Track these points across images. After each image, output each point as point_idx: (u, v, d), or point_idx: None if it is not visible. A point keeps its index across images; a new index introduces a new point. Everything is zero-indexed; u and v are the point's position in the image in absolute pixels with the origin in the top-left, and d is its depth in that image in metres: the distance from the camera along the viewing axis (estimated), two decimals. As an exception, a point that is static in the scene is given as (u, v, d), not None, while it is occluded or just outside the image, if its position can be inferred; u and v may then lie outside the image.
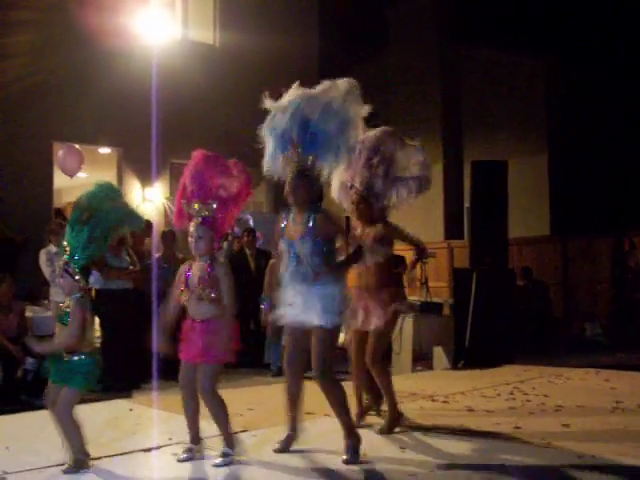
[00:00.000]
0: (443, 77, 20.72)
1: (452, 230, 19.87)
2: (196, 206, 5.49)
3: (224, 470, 5.31)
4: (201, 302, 5.46)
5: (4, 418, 7.27)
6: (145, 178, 13.90)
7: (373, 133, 6.65)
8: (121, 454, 5.82)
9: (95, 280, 5.74)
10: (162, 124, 11.88)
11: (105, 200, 5.72)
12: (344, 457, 5.49)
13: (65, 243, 5.58)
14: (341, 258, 5.78)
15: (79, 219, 5.61)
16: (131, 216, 5.87)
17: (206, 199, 5.50)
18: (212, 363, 5.43)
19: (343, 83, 5.78)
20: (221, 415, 5.49)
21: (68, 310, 5.29)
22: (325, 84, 5.81)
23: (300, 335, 5.66)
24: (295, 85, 5.85)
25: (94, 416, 7.36)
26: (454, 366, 10.73)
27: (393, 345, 10.91)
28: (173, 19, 14.66)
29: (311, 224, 5.58)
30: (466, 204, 18.19)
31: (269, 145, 5.81)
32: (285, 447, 5.78)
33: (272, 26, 15.39)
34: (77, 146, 13.16)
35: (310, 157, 5.66)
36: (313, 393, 5.86)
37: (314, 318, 5.51)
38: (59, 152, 13.04)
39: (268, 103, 5.84)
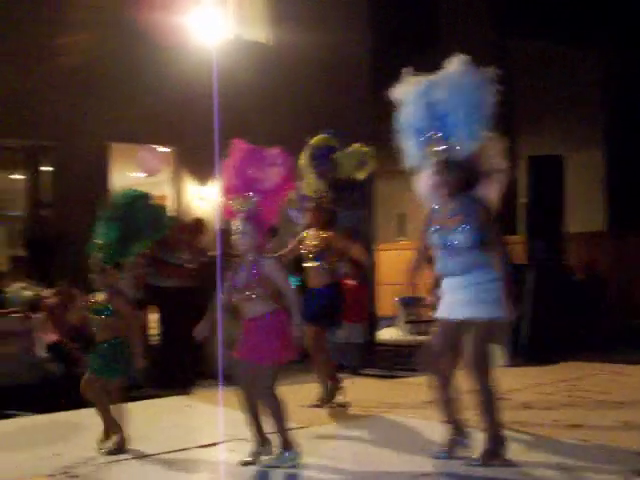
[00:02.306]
0: (496, 70, 20.42)
1: (507, 226, 19.67)
2: (238, 201, 5.41)
3: (281, 470, 5.30)
4: (250, 300, 5.37)
5: (64, 414, 7.39)
6: (200, 177, 14.01)
7: None
8: (179, 450, 5.89)
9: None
10: (217, 123, 11.95)
11: (136, 201, 5.88)
12: (477, 456, 5.32)
13: (98, 240, 5.74)
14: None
15: (111, 217, 5.78)
16: (158, 221, 5.98)
17: (246, 193, 5.41)
18: (269, 362, 5.34)
19: (455, 60, 5.59)
20: (278, 415, 5.37)
21: (104, 303, 5.74)
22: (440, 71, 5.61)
23: (452, 331, 5.44)
24: (406, 74, 5.67)
25: (152, 412, 7.49)
26: (511, 363, 10.64)
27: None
28: (226, 18, 14.72)
29: (467, 212, 5.36)
30: (520, 199, 18.00)
31: (406, 140, 5.66)
32: (451, 450, 5.53)
33: (324, 23, 15.37)
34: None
35: (452, 142, 5.43)
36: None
37: (473, 310, 5.31)
38: (140, 153, 13.25)
39: (393, 96, 5.67)
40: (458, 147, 5.44)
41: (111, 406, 5.87)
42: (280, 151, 5.57)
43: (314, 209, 7.62)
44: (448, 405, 5.55)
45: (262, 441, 5.49)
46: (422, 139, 5.54)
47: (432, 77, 5.58)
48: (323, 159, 7.79)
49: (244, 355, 5.38)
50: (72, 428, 6.23)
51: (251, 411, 5.44)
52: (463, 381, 5.50)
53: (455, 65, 5.57)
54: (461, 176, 5.44)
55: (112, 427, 5.83)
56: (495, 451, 5.29)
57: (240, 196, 5.41)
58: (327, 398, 7.55)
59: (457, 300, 5.41)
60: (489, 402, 5.34)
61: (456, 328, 5.42)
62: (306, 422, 6.78)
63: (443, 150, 5.44)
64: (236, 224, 5.40)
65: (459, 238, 5.34)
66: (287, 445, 5.39)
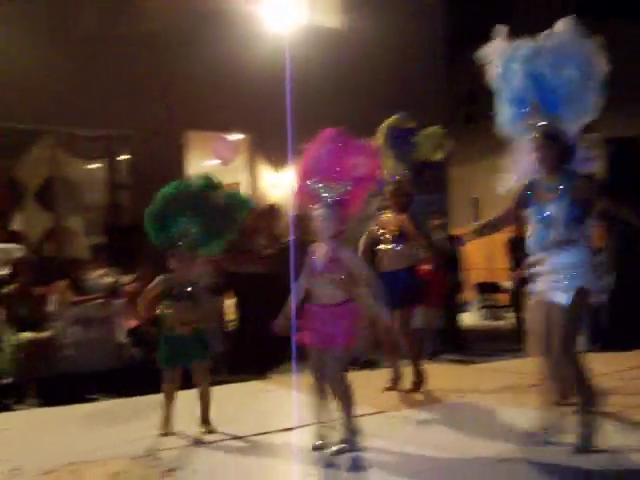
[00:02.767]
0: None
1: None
2: (326, 187, 5.36)
3: (347, 456, 5.29)
4: (328, 286, 5.37)
5: (146, 398, 7.51)
6: (275, 163, 14.09)
7: None
8: (258, 434, 5.96)
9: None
10: (291, 109, 11.98)
11: (205, 190, 5.95)
12: (574, 443, 5.22)
13: (180, 229, 5.84)
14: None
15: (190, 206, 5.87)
16: (231, 206, 6.03)
17: (337, 180, 5.35)
18: (342, 348, 5.34)
19: (561, 24, 5.41)
20: (347, 401, 5.39)
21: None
22: (544, 34, 5.44)
23: (547, 311, 5.30)
24: (501, 37, 5.52)
25: (232, 396, 7.58)
26: (590, 349, 10.46)
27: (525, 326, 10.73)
28: (299, 4, 14.71)
29: (567, 187, 5.21)
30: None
31: (504, 108, 5.51)
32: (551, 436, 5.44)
33: (397, 8, 15.28)
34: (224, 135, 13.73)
35: (555, 116, 5.29)
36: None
37: (561, 295, 5.17)
38: (215, 142, 13.45)
39: (488, 58, 5.53)
40: (565, 121, 5.29)
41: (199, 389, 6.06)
42: (370, 142, 5.51)
43: (393, 192, 7.56)
44: (555, 389, 5.47)
45: (333, 426, 5.51)
46: (523, 110, 5.40)
47: (537, 42, 5.40)
48: (403, 140, 7.67)
49: (318, 341, 5.37)
50: (153, 412, 6.32)
51: (322, 396, 5.47)
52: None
53: (563, 30, 5.38)
54: (562, 151, 5.29)
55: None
56: (589, 438, 5.20)
57: (330, 182, 5.35)
58: (417, 381, 7.57)
59: (549, 280, 5.27)
60: (583, 387, 5.25)
61: (550, 308, 5.30)
62: (383, 407, 6.80)
63: (547, 124, 5.31)
64: (320, 210, 5.36)
65: (554, 211, 5.22)
66: (353, 430, 5.42)
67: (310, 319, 5.42)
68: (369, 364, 9.07)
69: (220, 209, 6.07)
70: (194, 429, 5.98)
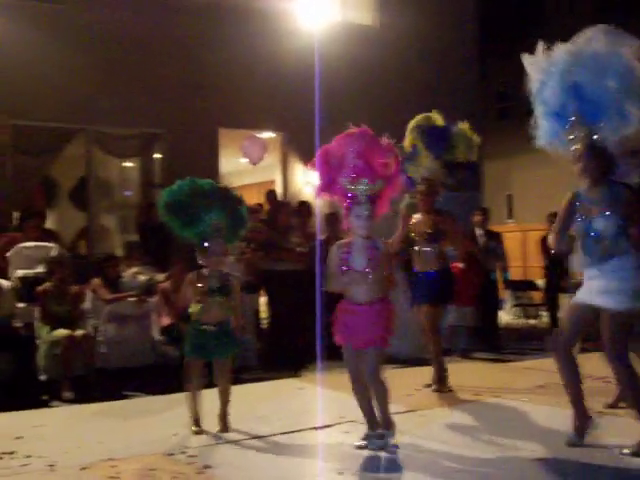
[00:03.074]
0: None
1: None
2: (363, 184, 5.30)
3: (382, 454, 5.30)
4: (367, 284, 5.33)
5: (180, 395, 7.55)
6: (307, 161, 14.02)
7: None
8: (294, 432, 5.97)
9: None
10: (323, 107, 11.99)
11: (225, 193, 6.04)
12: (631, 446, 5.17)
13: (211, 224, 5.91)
14: None
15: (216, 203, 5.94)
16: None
17: (373, 177, 5.31)
18: (380, 346, 5.33)
19: (597, 30, 5.33)
20: (384, 398, 5.39)
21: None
22: (579, 39, 5.34)
23: (586, 315, 5.32)
24: (541, 47, 5.44)
25: (266, 394, 7.61)
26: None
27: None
28: (332, 1, 14.71)
29: (612, 199, 5.17)
30: None
31: (544, 121, 5.45)
32: (582, 436, 5.39)
33: (430, 4, 15.23)
34: (256, 133, 13.80)
35: (595, 126, 5.23)
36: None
37: (609, 300, 5.14)
38: (244, 141, 13.51)
39: (529, 69, 5.46)
40: (606, 132, 5.22)
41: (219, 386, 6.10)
42: (390, 142, 5.51)
43: (426, 192, 7.54)
44: (578, 389, 5.42)
45: (374, 424, 5.50)
46: (563, 123, 5.35)
47: (575, 52, 5.32)
48: (439, 139, 7.60)
49: (356, 340, 5.33)
50: (187, 409, 6.36)
51: (362, 394, 5.46)
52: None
53: (600, 38, 5.30)
54: (604, 162, 5.25)
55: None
56: None
57: (365, 179, 5.30)
58: (438, 381, 7.55)
59: (596, 287, 5.23)
60: (634, 391, 5.22)
61: (591, 313, 5.28)
62: (415, 405, 6.80)
63: (587, 136, 5.26)
64: (357, 207, 5.31)
65: (603, 225, 5.18)
66: (389, 428, 5.42)
67: (346, 318, 5.37)
68: (402, 361, 9.06)
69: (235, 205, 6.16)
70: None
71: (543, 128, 5.47)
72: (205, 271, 6.05)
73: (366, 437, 5.47)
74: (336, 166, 5.41)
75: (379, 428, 5.47)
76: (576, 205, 5.33)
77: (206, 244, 5.94)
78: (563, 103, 5.33)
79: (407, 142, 7.57)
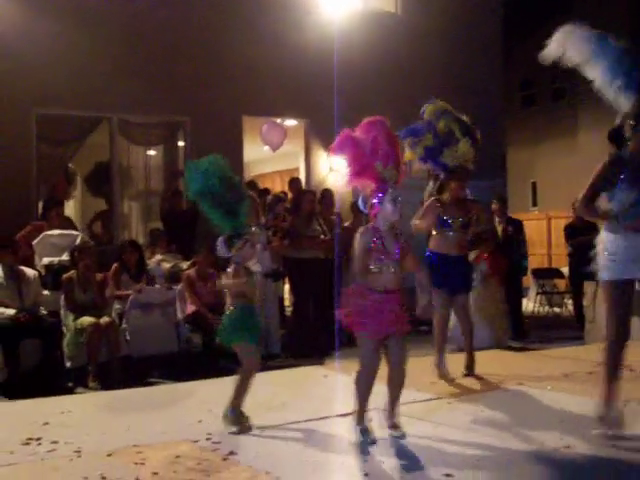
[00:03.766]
0: (632, 35, 19.88)
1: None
2: (392, 170, 5.31)
3: (403, 442, 5.31)
4: (397, 271, 5.30)
5: (205, 382, 7.60)
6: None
7: None
8: (318, 419, 5.98)
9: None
10: (346, 95, 11.97)
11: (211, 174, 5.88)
12: None
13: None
14: None
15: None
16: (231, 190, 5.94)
17: (397, 164, 5.35)
18: (402, 333, 5.32)
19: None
20: (402, 387, 5.42)
21: None
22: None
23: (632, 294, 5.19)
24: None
25: (290, 382, 7.62)
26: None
27: (586, 313, 10.63)
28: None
29: None
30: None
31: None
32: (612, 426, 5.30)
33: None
34: (278, 120, 13.79)
35: None
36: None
37: None
38: (263, 127, 13.51)
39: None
40: None
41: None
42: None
43: (460, 178, 7.46)
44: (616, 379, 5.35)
45: (393, 413, 5.50)
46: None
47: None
48: (473, 125, 7.50)
49: (382, 327, 5.25)
50: (212, 395, 6.38)
51: (371, 385, 5.39)
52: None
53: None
54: None
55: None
56: None
57: (393, 166, 5.32)
58: (469, 365, 7.60)
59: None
60: None
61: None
62: (441, 392, 6.79)
63: None
64: (394, 194, 5.27)
65: None
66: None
67: (367, 305, 5.25)
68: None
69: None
70: (253, 414, 5.99)
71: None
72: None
73: (364, 430, 5.39)
74: (369, 152, 5.35)
75: (393, 417, 5.47)
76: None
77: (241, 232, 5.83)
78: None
79: (441, 125, 7.38)
